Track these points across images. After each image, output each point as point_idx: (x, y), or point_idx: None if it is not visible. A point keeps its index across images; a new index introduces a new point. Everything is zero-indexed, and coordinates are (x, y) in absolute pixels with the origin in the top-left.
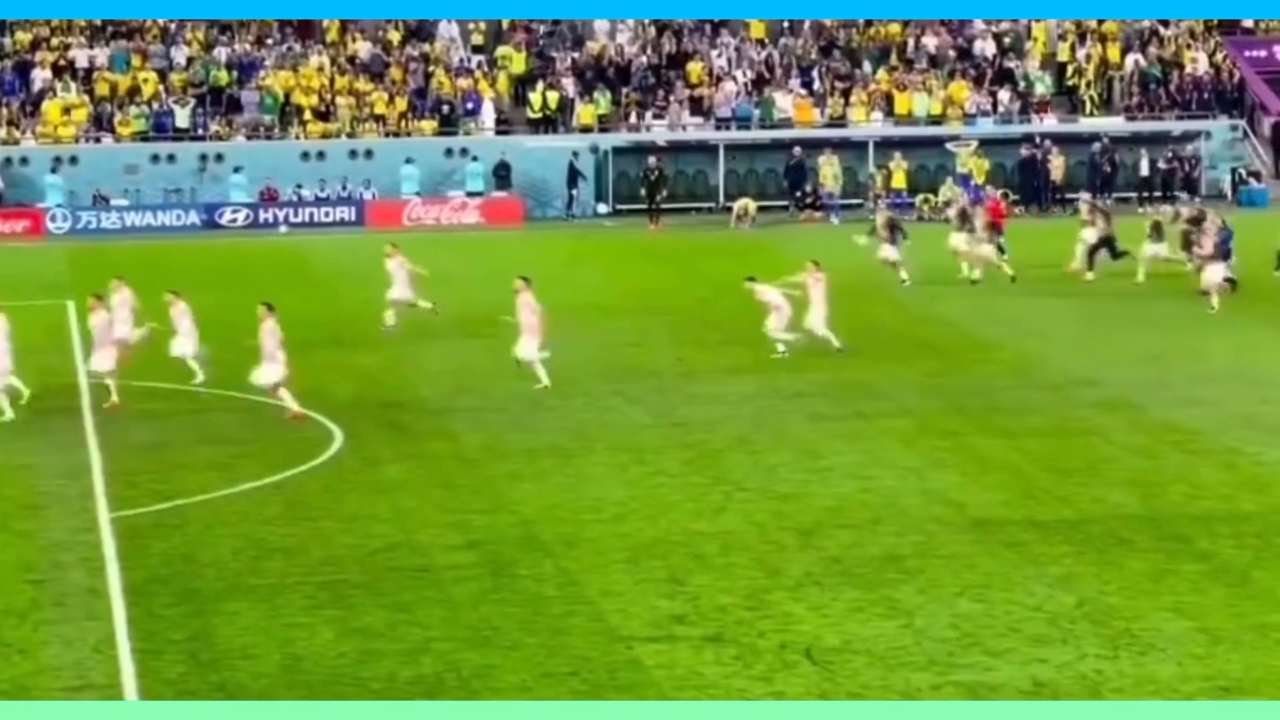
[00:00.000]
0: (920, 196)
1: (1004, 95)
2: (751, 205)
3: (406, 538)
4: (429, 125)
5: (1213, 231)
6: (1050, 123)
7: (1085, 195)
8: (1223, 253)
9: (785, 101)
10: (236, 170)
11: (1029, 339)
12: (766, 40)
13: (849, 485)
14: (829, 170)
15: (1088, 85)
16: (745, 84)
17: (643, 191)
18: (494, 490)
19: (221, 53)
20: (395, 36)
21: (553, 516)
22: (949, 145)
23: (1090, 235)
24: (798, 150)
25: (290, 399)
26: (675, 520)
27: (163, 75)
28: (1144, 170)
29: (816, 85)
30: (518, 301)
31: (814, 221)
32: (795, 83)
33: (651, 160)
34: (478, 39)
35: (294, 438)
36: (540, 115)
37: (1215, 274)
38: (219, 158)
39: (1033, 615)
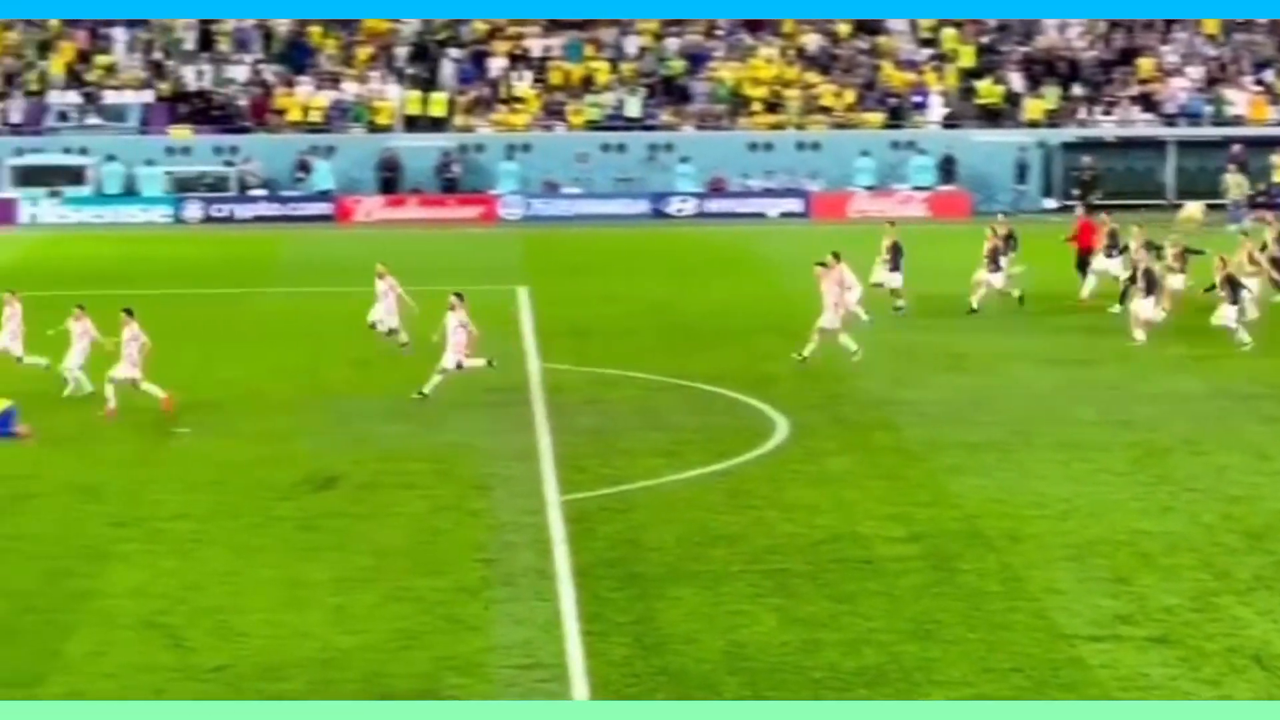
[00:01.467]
0: None
1: None
2: (1198, 213)
3: (849, 529)
4: (876, 118)
5: None
6: None
7: None
8: None
9: (1239, 98)
10: (684, 160)
11: None
12: (1220, 36)
13: None
14: None
15: None
16: (1197, 80)
17: (1075, 192)
18: (935, 483)
19: (672, 43)
20: (844, 29)
21: (995, 511)
22: None
23: None
24: (1237, 148)
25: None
26: (1120, 519)
27: (614, 65)
28: None
29: (1273, 82)
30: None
31: (1264, 222)
32: (1249, 79)
33: (1085, 159)
34: (926, 32)
35: (739, 426)
36: (987, 108)
37: None
38: (668, 147)
39: None
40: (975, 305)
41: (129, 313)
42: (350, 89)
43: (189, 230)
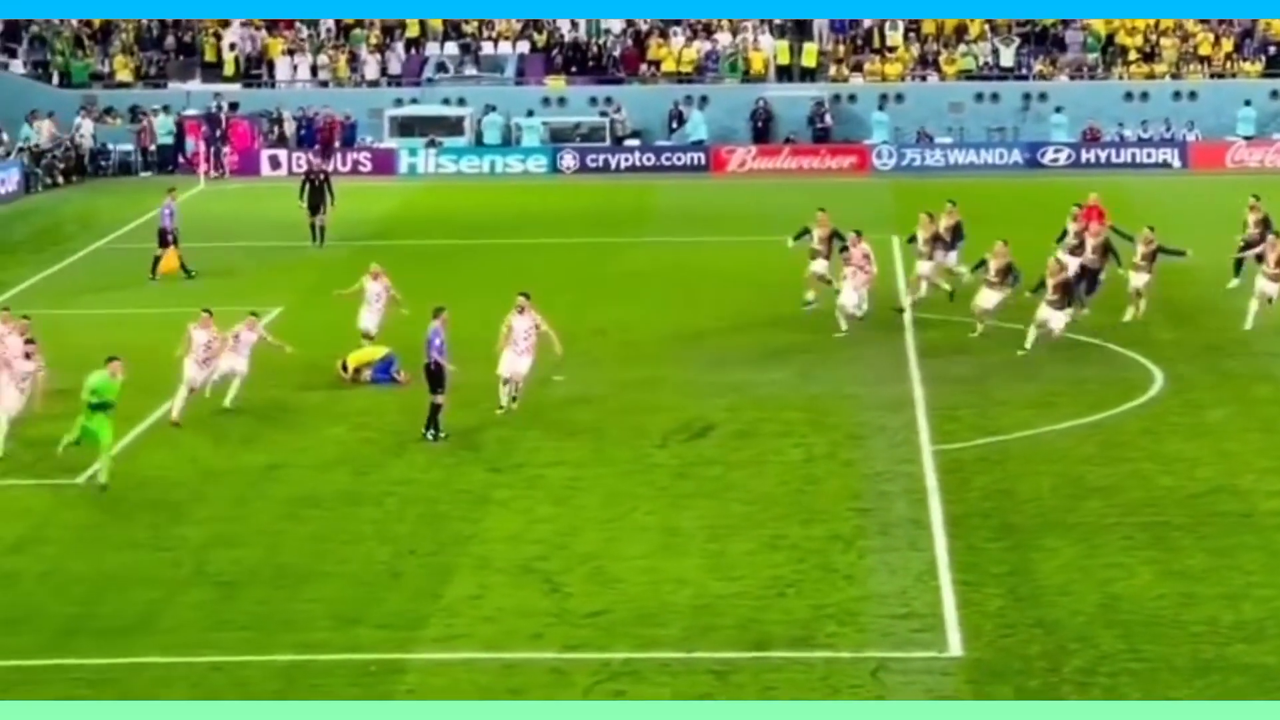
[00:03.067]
0: None
1: None
2: None
3: (1228, 481)
4: (1254, 68)
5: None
6: None
7: None
8: None
9: None
10: (1058, 110)
11: None
12: None
13: None
14: None
15: None
16: None
17: None
18: None
19: None
20: None
21: None
22: None
23: None
24: None
25: None
26: None
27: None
28: None
29: None
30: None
31: None
32: None
33: None
34: None
35: (1114, 377)
36: None
37: None
38: (1042, 97)
39: None
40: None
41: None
42: (723, 39)
43: (564, 180)
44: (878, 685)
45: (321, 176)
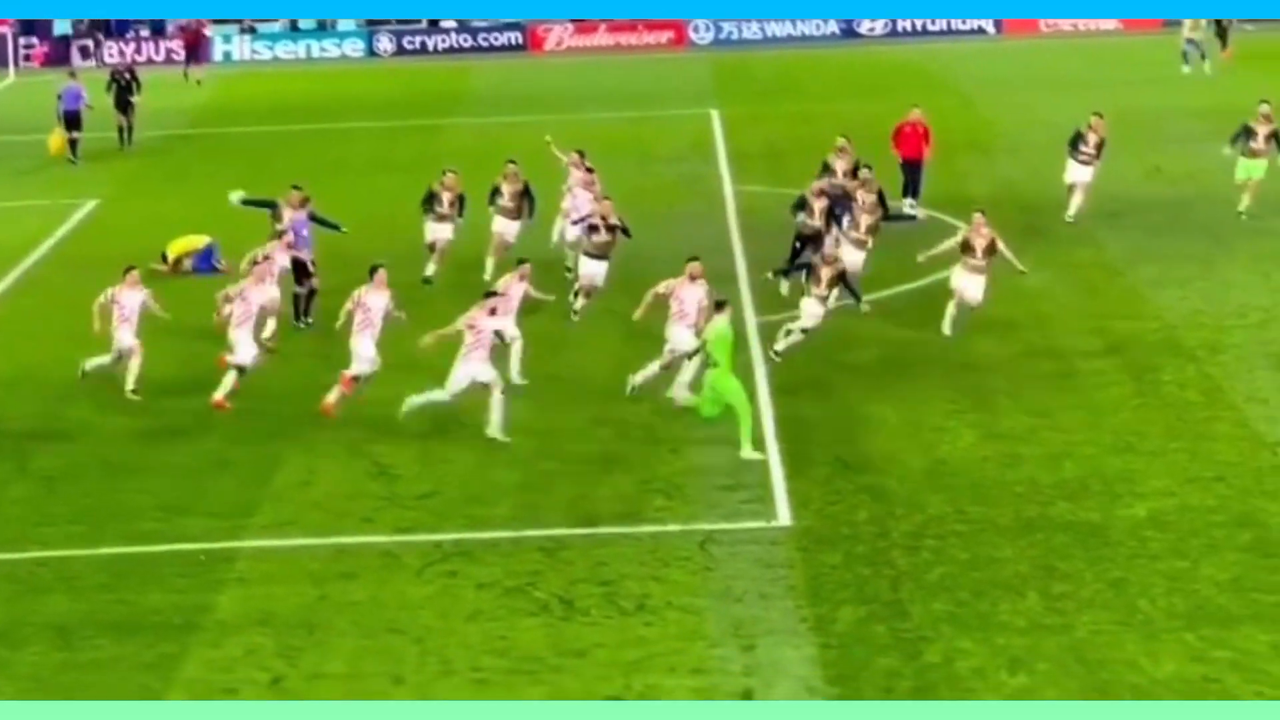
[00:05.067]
0: None
1: None
2: None
3: (1046, 344)
4: None
5: None
6: None
7: None
8: None
9: None
10: None
11: None
12: None
13: None
14: None
15: None
16: None
17: None
18: (1136, 297)
19: None
20: None
21: (1195, 322)
22: None
23: None
24: None
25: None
26: None
27: None
28: None
29: None
30: None
31: None
32: None
33: None
34: None
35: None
36: None
37: None
38: None
39: None
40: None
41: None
42: None
43: (382, 63)
44: (706, 557)
45: (128, 76)
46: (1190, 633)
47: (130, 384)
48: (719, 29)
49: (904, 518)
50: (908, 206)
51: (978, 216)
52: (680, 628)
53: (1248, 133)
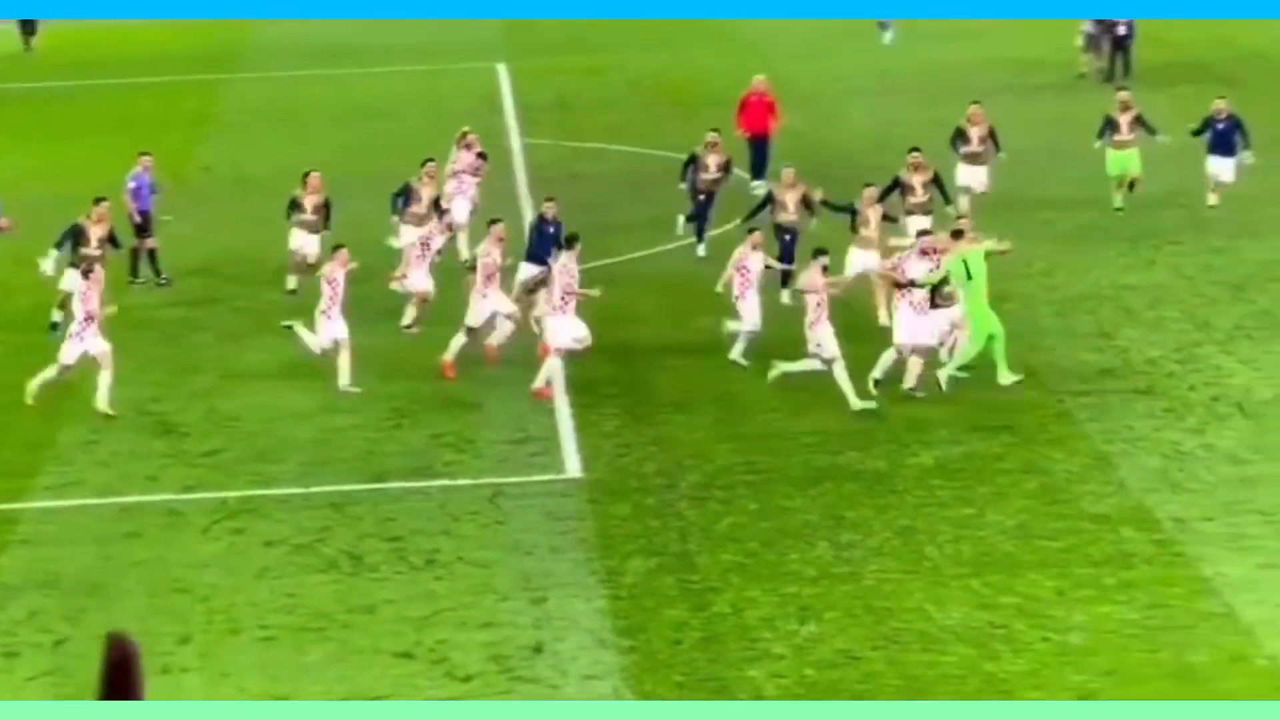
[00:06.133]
0: None
1: None
2: None
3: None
4: None
5: None
6: None
7: None
8: None
9: None
10: None
11: None
12: None
13: None
14: None
15: None
16: None
17: None
18: None
19: None
20: None
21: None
22: None
23: None
24: None
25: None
26: (1104, 275)
27: None
28: None
29: None
30: None
31: None
32: None
33: None
34: None
35: (725, 201)
36: None
37: None
38: None
39: None
40: None
41: None
42: None
43: (163, 19)
44: (496, 511)
45: None
46: (976, 579)
47: None
48: None
49: (693, 468)
50: (757, 188)
51: (787, 173)
52: (470, 582)
53: (1110, 124)
